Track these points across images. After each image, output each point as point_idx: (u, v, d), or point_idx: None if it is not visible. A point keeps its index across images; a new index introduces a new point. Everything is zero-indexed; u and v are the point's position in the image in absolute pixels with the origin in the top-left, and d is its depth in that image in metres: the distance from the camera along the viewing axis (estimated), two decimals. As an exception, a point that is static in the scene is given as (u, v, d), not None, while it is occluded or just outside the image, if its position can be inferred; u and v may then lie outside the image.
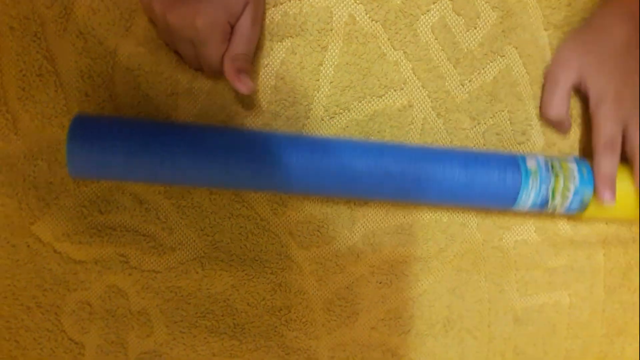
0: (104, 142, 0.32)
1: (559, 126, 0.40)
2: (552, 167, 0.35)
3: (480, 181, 0.34)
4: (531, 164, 0.35)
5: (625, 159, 0.38)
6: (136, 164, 0.32)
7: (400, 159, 0.34)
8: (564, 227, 0.41)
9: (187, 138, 0.33)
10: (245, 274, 0.39)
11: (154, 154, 0.32)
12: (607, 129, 0.38)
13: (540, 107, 0.40)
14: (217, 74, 0.36)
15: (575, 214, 0.36)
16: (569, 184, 0.35)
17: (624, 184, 0.36)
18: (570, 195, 0.35)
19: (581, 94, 0.39)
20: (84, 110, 0.36)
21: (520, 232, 0.41)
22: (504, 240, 0.41)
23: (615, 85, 0.37)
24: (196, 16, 0.32)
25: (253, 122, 0.38)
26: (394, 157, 0.34)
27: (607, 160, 0.37)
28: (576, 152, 0.41)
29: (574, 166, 0.36)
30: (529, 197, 0.35)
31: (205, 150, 0.33)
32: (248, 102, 0.37)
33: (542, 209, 0.36)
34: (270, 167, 0.33)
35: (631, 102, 0.38)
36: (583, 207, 0.36)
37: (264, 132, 0.35)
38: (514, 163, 0.35)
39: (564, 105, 0.39)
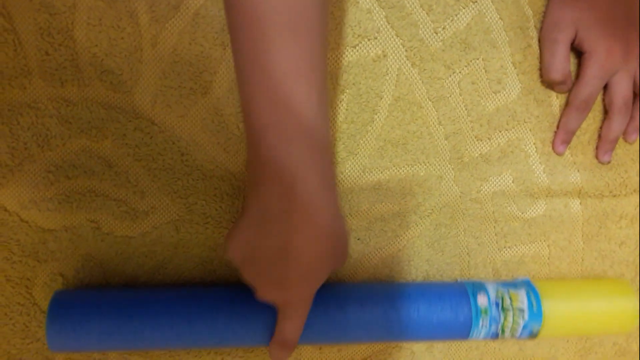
0: (83, 322, 0.34)
1: (561, 86, 0.39)
2: (502, 303, 0.36)
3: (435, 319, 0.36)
4: (482, 301, 0.36)
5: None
6: (115, 338, 0.34)
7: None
8: (541, 176, 0.41)
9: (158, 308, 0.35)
10: (222, 236, 0.38)
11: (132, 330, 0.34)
12: (591, 86, 0.38)
13: (542, 71, 0.39)
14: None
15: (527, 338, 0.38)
16: (519, 320, 0.36)
17: (579, 302, 0.37)
18: (520, 329, 0.36)
19: (573, 49, 0.39)
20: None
21: (497, 183, 0.41)
22: (481, 192, 0.40)
23: (606, 39, 0.37)
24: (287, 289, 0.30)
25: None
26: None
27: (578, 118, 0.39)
28: (555, 100, 0.41)
29: (524, 300, 0.37)
30: (479, 334, 0.36)
31: (173, 315, 0.35)
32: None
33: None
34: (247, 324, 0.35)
35: (620, 56, 0.38)
36: (533, 335, 0.37)
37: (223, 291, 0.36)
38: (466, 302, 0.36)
39: (567, 64, 0.39)
